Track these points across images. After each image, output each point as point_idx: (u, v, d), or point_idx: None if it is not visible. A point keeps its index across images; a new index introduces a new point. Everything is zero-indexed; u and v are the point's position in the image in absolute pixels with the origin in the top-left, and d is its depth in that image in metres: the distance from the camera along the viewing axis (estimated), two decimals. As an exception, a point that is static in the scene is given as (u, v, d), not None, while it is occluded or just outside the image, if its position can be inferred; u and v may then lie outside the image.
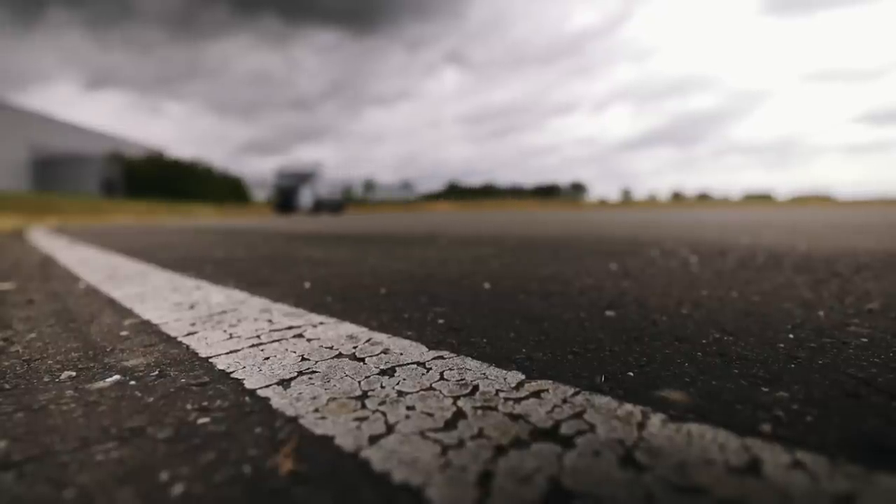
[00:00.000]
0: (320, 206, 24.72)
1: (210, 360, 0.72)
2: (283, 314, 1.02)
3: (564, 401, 0.53)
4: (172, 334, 0.87)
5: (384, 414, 0.51)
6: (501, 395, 0.56)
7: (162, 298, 1.24)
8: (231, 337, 0.84)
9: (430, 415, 0.51)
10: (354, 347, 0.76)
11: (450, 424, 0.48)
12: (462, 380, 0.61)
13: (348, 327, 0.90)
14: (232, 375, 0.65)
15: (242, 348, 0.77)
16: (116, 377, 0.66)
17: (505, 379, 0.61)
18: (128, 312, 1.09)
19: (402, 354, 0.72)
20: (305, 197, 24.26)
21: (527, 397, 0.55)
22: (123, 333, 0.90)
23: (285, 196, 23.84)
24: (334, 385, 0.60)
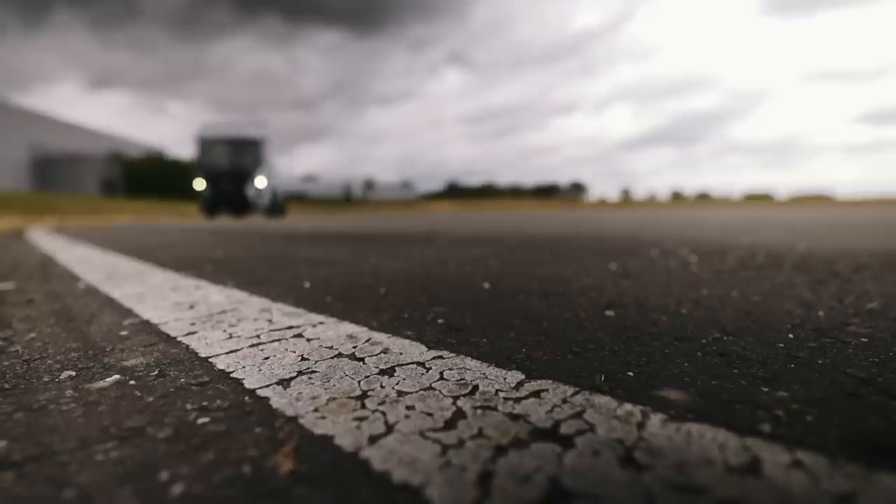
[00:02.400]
0: (276, 206, 14.77)
1: (210, 360, 0.72)
2: (283, 314, 1.02)
3: (564, 400, 0.53)
4: (172, 334, 0.87)
5: (384, 414, 0.51)
6: (501, 394, 0.56)
7: (161, 298, 1.24)
8: (231, 337, 0.84)
9: (430, 414, 0.51)
10: (354, 347, 0.76)
11: (449, 424, 0.48)
12: (462, 379, 0.61)
13: (348, 327, 0.90)
14: (232, 375, 0.65)
15: (242, 348, 0.77)
16: (116, 377, 0.66)
17: (505, 379, 0.61)
18: (127, 312, 1.08)
19: (401, 354, 0.72)
20: (261, 187, 13.66)
21: (526, 397, 0.55)
22: (123, 333, 0.90)
23: (226, 187, 13.34)
24: (334, 385, 0.60)
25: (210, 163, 13.99)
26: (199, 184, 13.81)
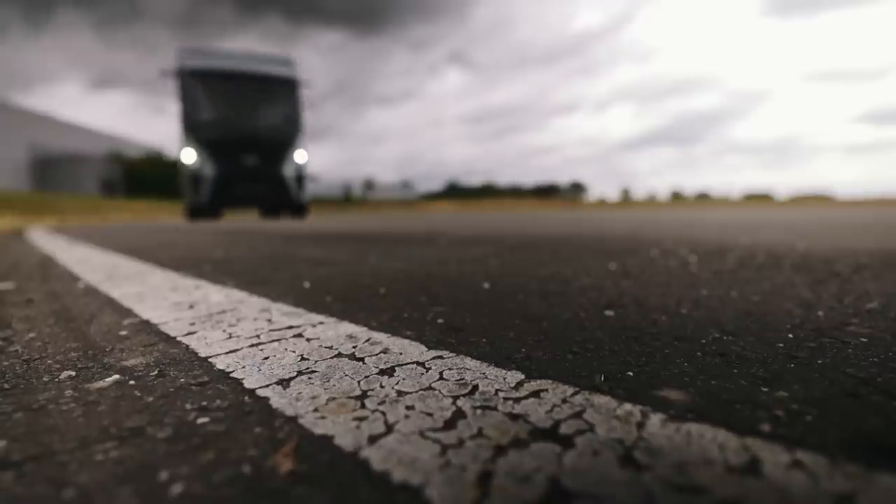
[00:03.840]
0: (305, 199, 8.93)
1: (209, 360, 0.72)
2: (283, 314, 1.02)
3: (564, 400, 0.53)
4: (172, 334, 0.87)
5: (384, 413, 0.51)
6: (501, 394, 0.56)
7: (161, 298, 1.24)
8: (230, 336, 0.84)
9: (430, 414, 0.51)
10: (354, 347, 0.76)
11: (449, 424, 0.48)
12: (461, 379, 0.61)
13: (348, 327, 0.90)
14: (231, 375, 0.65)
15: (242, 348, 0.77)
16: (116, 377, 0.66)
17: (504, 378, 0.61)
18: (127, 312, 1.08)
19: (401, 354, 0.72)
20: (302, 162, 8.32)
21: (526, 397, 0.55)
22: (123, 333, 0.90)
23: (247, 161, 7.57)
24: (334, 385, 0.60)
25: (209, 118, 7.37)
26: (189, 155, 7.18)
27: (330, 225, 6.89)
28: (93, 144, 34.82)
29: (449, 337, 0.82)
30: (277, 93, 8.36)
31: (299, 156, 8.27)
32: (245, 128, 7.73)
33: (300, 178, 8.30)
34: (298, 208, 8.68)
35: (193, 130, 7.54)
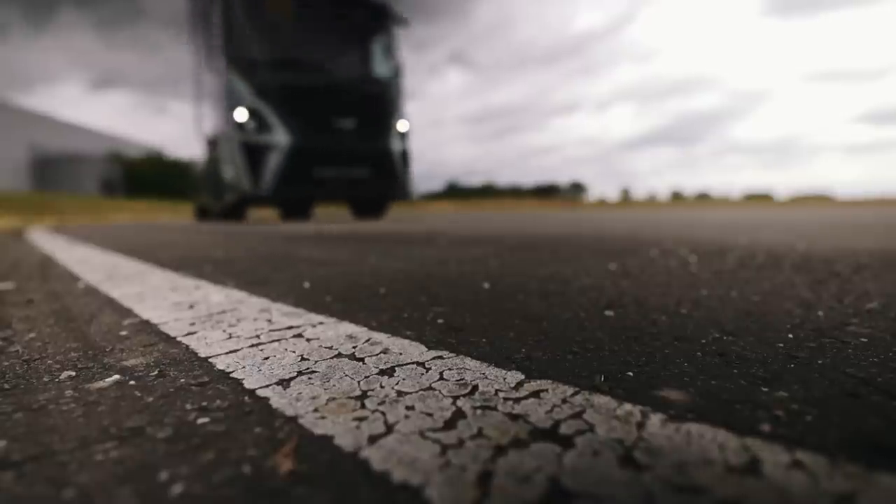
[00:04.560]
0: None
1: (209, 360, 0.72)
2: (283, 314, 1.02)
3: (564, 400, 0.53)
4: (172, 334, 0.87)
5: (384, 414, 0.51)
6: (501, 394, 0.56)
7: (161, 298, 1.24)
8: (230, 337, 0.84)
9: (430, 414, 0.51)
10: (354, 347, 0.76)
11: (449, 424, 0.48)
12: (461, 379, 0.61)
13: (348, 327, 0.90)
14: (231, 375, 0.65)
15: (242, 348, 0.77)
16: (116, 377, 0.66)
17: (504, 379, 0.61)
18: (127, 312, 1.08)
19: (401, 354, 0.72)
20: (404, 130, 5.78)
21: (526, 397, 0.55)
22: (123, 333, 0.90)
23: (342, 124, 4.57)
24: (334, 385, 0.60)
25: (268, 55, 4.84)
26: (242, 114, 4.80)
27: (330, 225, 6.89)
28: (93, 144, 34.83)
29: (449, 337, 0.82)
30: (370, 27, 5.49)
31: (402, 125, 5.87)
32: (331, 74, 4.97)
33: (405, 155, 5.86)
34: (392, 199, 6.23)
35: (243, 71, 4.65)
